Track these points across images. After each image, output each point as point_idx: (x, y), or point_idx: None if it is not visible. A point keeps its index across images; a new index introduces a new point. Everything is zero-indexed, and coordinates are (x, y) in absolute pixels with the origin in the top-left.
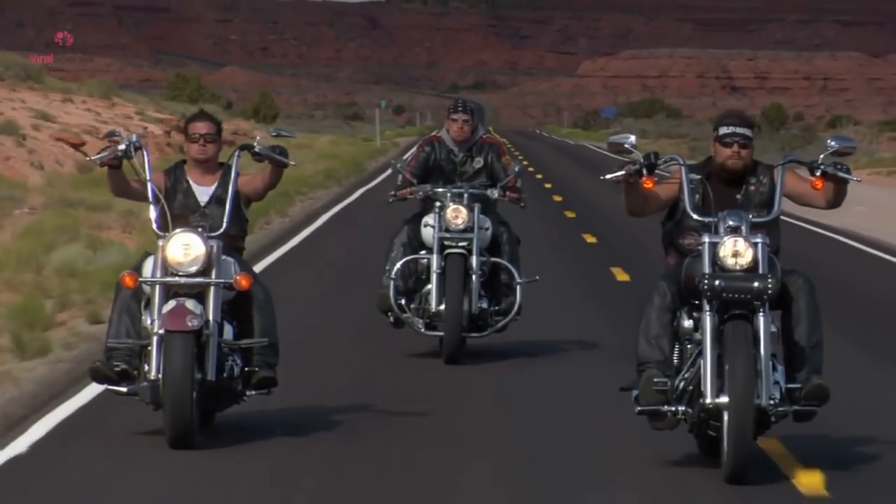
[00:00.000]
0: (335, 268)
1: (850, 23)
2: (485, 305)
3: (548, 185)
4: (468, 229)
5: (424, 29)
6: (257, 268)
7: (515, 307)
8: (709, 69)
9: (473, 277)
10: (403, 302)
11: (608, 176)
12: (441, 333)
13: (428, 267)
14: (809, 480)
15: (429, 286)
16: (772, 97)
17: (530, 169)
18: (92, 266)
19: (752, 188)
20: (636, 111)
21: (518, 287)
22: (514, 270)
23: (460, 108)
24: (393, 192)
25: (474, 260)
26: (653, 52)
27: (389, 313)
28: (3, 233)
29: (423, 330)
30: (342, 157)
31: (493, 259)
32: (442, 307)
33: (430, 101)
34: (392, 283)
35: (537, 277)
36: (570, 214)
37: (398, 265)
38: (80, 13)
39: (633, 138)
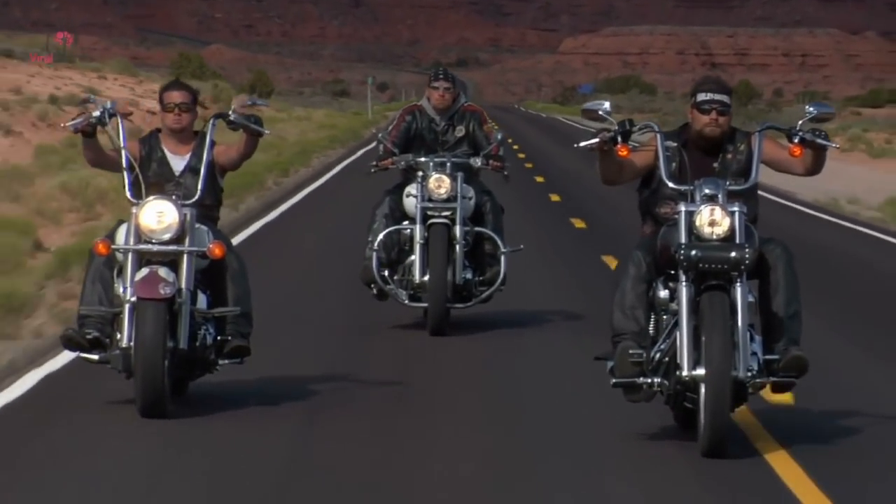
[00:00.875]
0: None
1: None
2: (469, 276)
3: (516, 149)
4: (451, 199)
5: (407, 6)
6: (305, 192)
7: (500, 277)
8: (689, 46)
9: (457, 247)
10: (387, 273)
11: (582, 143)
12: (425, 305)
13: (411, 237)
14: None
15: (412, 257)
16: (751, 73)
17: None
18: None
19: (730, 156)
20: (612, 87)
21: (502, 257)
22: (498, 240)
23: (441, 76)
24: (374, 163)
25: (458, 230)
26: (633, 29)
27: (373, 285)
28: None
29: (406, 301)
30: (339, 127)
31: (476, 229)
32: (426, 278)
33: (412, 78)
34: (375, 254)
35: (522, 247)
36: (528, 165)
37: (381, 236)
38: None
39: (607, 104)
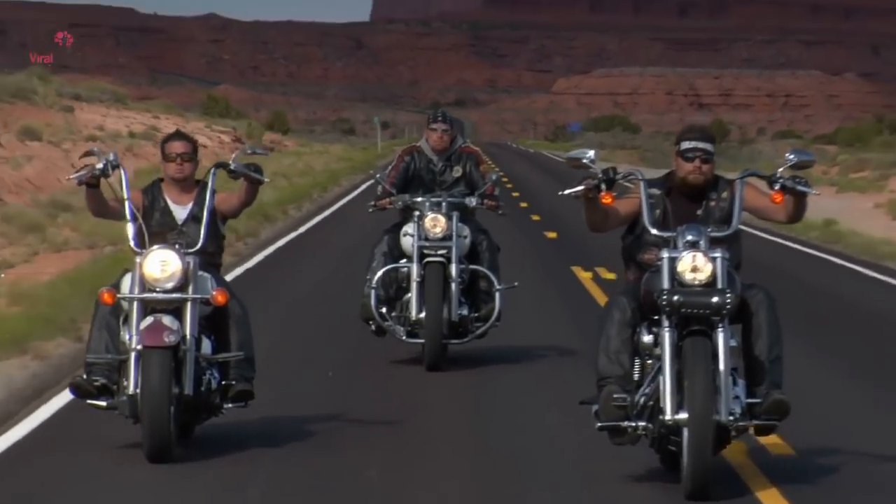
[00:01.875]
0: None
1: (811, 42)
2: (465, 312)
3: (506, 180)
4: (447, 238)
5: (407, 48)
6: (341, 202)
7: (495, 313)
8: (677, 87)
9: (453, 285)
10: (385, 310)
11: (567, 191)
12: (422, 341)
13: (408, 276)
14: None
15: (409, 294)
16: (736, 113)
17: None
18: None
19: (713, 203)
20: (598, 126)
21: (497, 294)
22: (493, 278)
23: (439, 119)
24: (373, 202)
25: (453, 268)
26: (624, 70)
27: (371, 322)
28: None
29: (404, 338)
30: (355, 159)
31: (472, 266)
32: (422, 315)
33: (412, 117)
34: (373, 291)
35: (516, 284)
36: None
37: (379, 274)
38: (80, 34)
39: (591, 153)
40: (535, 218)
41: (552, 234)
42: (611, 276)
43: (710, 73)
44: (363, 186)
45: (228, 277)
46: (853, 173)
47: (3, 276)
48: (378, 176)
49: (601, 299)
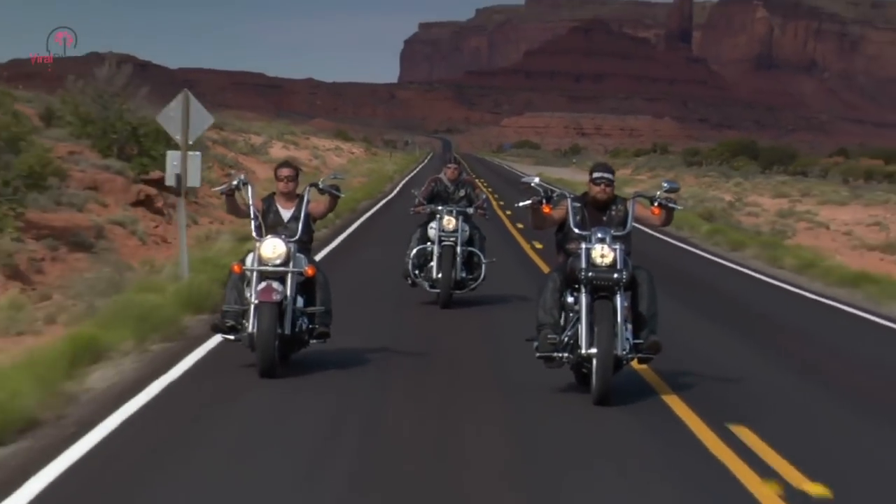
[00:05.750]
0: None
1: (648, 99)
2: (464, 275)
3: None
4: (455, 231)
5: (419, 99)
6: (408, 176)
7: (482, 276)
8: (570, 123)
9: (458, 259)
10: (417, 272)
11: (520, 203)
12: (439, 290)
13: (431, 252)
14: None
15: (431, 263)
16: (603, 139)
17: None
18: None
19: (614, 213)
20: (518, 145)
21: (483, 265)
22: (481, 255)
23: (452, 162)
24: (412, 209)
25: (458, 249)
26: (541, 114)
27: (408, 278)
28: None
29: (428, 288)
30: (406, 160)
31: (469, 248)
32: (439, 275)
33: (423, 138)
34: (410, 261)
35: (494, 259)
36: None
37: (414, 251)
38: (236, 88)
39: (537, 178)
40: (509, 213)
41: (520, 225)
42: (539, 246)
43: (589, 116)
44: (416, 170)
45: (353, 226)
46: (643, 174)
47: None
48: (415, 192)
49: (542, 266)
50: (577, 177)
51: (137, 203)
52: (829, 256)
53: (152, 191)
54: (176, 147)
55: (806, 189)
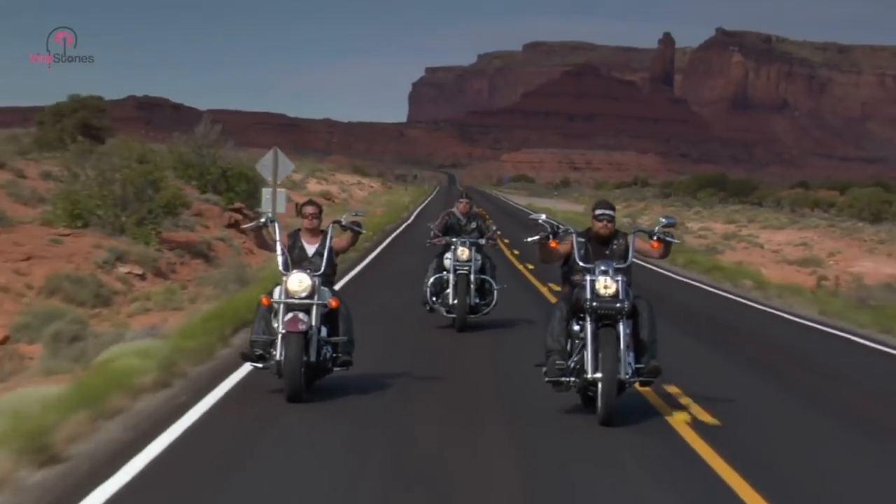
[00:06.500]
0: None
1: (633, 136)
2: (477, 301)
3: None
4: (468, 260)
5: (426, 136)
6: (420, 207)
7: (494, 302)
8: (563, 159)
9: (471, 286)
10: (434, 299)
11: (529, 239)
12: (455, 315)
13: (447, 280)
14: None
15: (447, 290)
16: (593, 173)
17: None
18: None
19: (616, 247)
20: (514, 179)
21: (495, 291)
22: (493, 282)
23: (463, 197)
24: (428, 241)
25: (472, 277)
26: (536, 150)
27: (426, 304)
28: None
29: (445, 314)
30: (418, 192)
31: (481, 276)
32: (455, 302)
33: (429, 173)
34: (428, 288)
35: (505, 286)
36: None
37: (431, 279)
38: (259, 127)
39: (544, 216)
40: (516, 252)
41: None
42: (557, 287)
43: (580, 152)
44: (427, 201)
45: (374, 251)
46: (619, 204)
47: None
48: (430, 225)
49: (551, 298)
50: (558, 205)
51: (229, 225)
52: (720, 263)
53: (239, 216)
54: (254, 186)
55: (753, 216)
